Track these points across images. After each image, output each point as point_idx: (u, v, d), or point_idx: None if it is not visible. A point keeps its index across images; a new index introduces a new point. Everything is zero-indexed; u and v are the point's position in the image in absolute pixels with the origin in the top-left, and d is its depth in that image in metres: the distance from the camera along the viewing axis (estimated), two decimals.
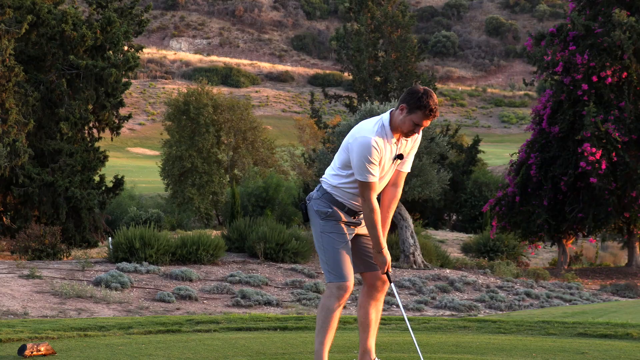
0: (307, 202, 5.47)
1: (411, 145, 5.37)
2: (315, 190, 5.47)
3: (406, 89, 5.27)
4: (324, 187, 5.40)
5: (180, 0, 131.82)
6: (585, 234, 25.96)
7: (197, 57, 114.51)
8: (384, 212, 5.40)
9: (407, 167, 5.42)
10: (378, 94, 32.06)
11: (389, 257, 5.33)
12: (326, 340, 5.30)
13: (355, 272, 5.51)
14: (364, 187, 5.20)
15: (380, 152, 5.17)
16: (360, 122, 5.34)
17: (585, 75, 23.79)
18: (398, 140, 5.26)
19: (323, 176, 5.45)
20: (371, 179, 5.17)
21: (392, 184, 5.42)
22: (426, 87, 5.20)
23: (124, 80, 22.50)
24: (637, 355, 6.51)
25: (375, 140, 5.15)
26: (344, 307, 14.65)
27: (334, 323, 5.30)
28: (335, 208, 5.34)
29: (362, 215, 5.42)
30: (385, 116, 5.24)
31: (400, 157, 5.28)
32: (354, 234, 5.44)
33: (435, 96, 5.18)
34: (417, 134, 5.28)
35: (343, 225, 5.36)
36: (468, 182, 36.68)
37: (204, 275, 16.69)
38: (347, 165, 5.26)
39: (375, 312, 5.48)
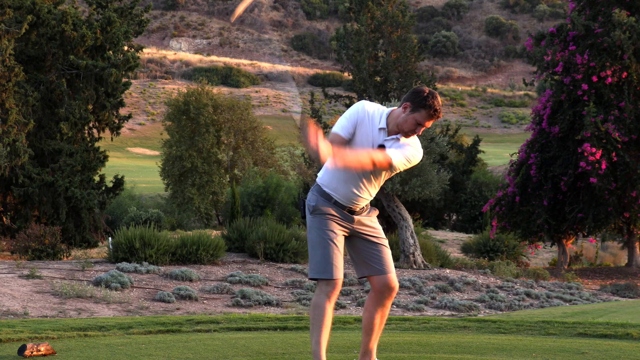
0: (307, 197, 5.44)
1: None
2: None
3: (411, 89, 5.25)
4: (317, 180, 5.35)
5: (180, 0, 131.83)
6: (585, 234, 25.97)
7: (197, 57, 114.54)
8: None
9: (392, 154, 5.12)
10: (378, 94, 32.06)
11: (311, 137, 4.72)
12: (321, 338, 5.19)
13: (359, 276, 5.45)
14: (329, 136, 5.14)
15: (359, 115, 5.15)
16: None
17: (585, 75, 23.79)
18: (389, 134, 5.21)
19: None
20: (335, 129, 5.13)
21: None
22: (431, 89, 5.20)
23: (124, 80, 22.50)
24: (637, 355, 6.51)
25: (365, 106, 5.17)
26: (344, 307, 14.68)
27: (327, 320, 5.18)
28: (322, 200, 5.24)
29: (357, 212, 5.31)
30: (388, 109, 5.25)
31: (382, 146, 5.18)
32: (345, 233, 5.31)
33: (439, 98, 5.16)
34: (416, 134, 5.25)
35: (331, 221, 5.24)
36: (468, 182, 36.70)
37: (204, 275, 16.69)
38: None
39: (381, 317, 5.39)
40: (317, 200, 5.27)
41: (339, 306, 14.72)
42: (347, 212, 5.28)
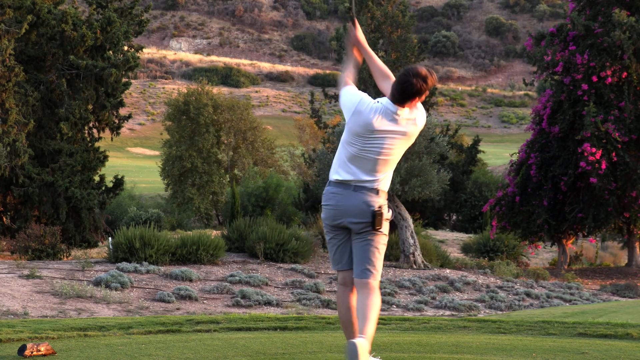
0: (379, 209, 5.32)
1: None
2: (380, 196, 5.34)
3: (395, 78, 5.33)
4: (383, 188, 5.37)
5: (180, 0, 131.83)
6: (585, 234, 25.96)
7: (197, 57, 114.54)
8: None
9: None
10: (378, 94, 32.06)
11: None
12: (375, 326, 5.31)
13: (347, 268, 5.50)
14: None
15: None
16: None
17: (585, 75, 23.79)
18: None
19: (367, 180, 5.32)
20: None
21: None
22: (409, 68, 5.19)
23: (124, 80, 22.50)
24: (637, 355, 6.51)
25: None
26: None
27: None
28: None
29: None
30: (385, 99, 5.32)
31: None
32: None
33: (421, 71, 5.17)
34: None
35: None
36: (468, 182, 36.69)
37: (204, 275, 16.69)
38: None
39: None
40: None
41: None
42: None
